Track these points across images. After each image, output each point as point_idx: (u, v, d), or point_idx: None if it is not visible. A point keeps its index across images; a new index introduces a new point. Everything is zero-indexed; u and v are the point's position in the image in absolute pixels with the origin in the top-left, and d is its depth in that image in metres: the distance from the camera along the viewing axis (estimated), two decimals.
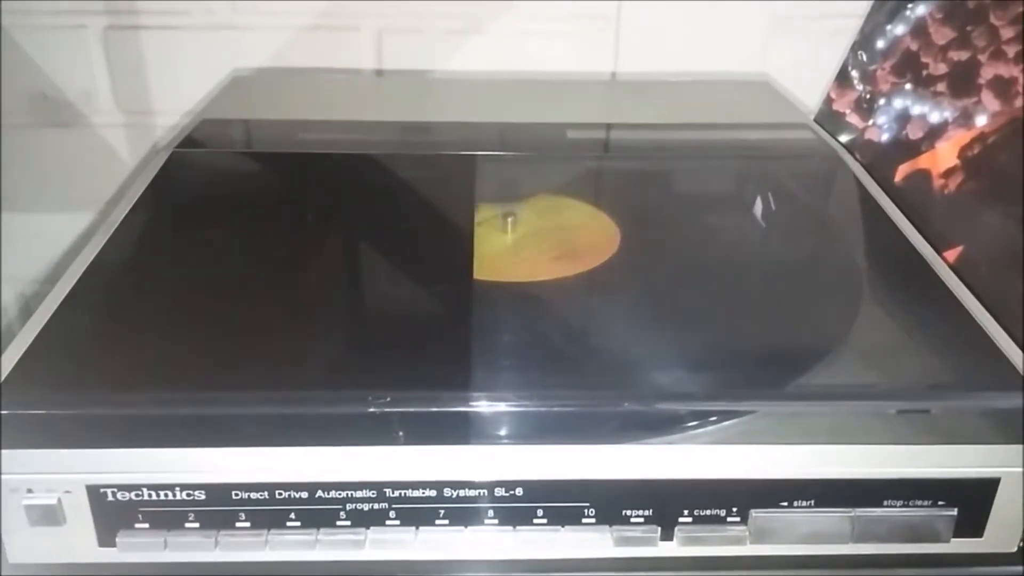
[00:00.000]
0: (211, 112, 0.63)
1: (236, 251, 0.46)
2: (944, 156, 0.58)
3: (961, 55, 0.59)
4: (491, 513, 0.37)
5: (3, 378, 0.36)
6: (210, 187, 0.54)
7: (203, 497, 0.36)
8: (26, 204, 0.76)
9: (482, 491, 0.37)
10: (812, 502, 0.38)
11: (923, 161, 0.59)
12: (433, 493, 0.37)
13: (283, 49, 0.70)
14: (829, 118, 0.66)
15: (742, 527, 0.38)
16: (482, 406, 0.36)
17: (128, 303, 0.42)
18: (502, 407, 0.36)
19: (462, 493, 0.37)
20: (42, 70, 0.70)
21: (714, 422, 0.37)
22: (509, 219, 0.50)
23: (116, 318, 0.41)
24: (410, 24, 0.69)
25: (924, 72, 0.61)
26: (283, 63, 0.71)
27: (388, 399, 0.35)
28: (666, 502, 0.38)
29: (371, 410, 0.35)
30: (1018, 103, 0.55)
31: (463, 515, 0.37)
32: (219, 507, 0.37)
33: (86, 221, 0.77)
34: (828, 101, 0.67)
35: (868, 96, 0.64)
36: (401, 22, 0.69)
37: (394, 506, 0.37)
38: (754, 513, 0.38)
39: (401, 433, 0.36)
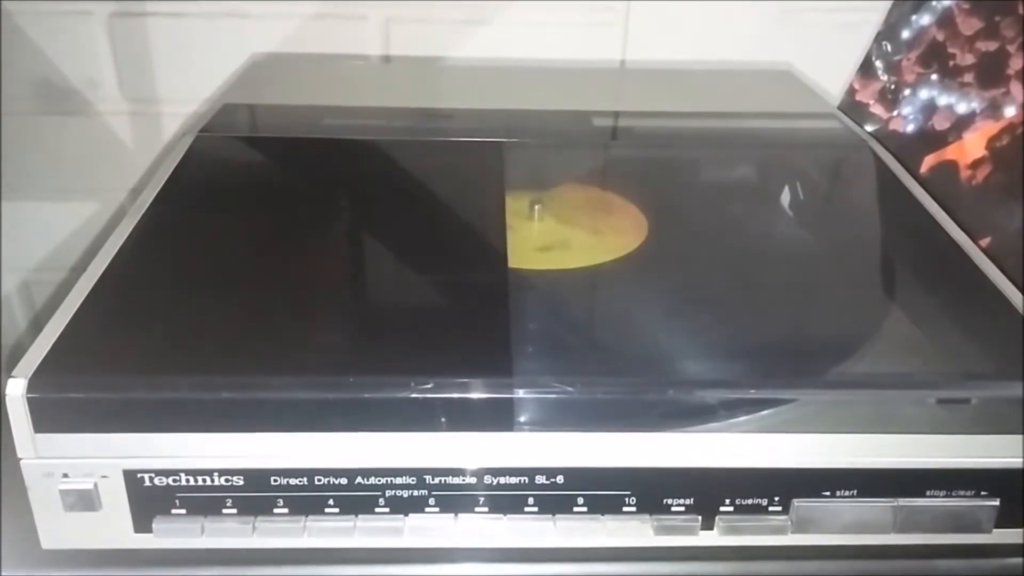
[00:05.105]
0: (231, 97, 0.62)
1: (267, 237, 0.46)
2: (972, 147, 0.58)
3: (989, 45, 0.58)
4: (531, 501, 0.37)
5: (39, 362, 0.35)
6: (236, 172, 0.53)
7: (241, 483, 0.36)
8: (29, 192, 0.75)
9: (523, 478, 0.37)
10: (855, 491, 0.37)
11: (950, 152, 0.59)
12: (473, 480, 0.37)
13: (290, 38, 0.69)
14: (852, 108, 0.65)
15: (784, 516, 0.38)
16: (523, 393, 0.35)
17: (161, 287, 0.41)
18: (543, 394, 0.36)
19: (502, 480, 0.37)
20: (46, 57, 0.70)
21: (756, 410, 0.36)
22: (536, 207, 0.49)
23: (150, 302, 0.40)
24: (417, 14, 0.69)
25: (951, 63, 0.60)
26: (290, 52, 0.70)
27: (430, 385, 0.35)
28: (707, 491, 0.37)
29: (413, 395, 0.35)
30: None
31: (503, 502, 0.37)
32: (257, 493, 0.36)
33: (90, 209, 0.76)
34: (851, 92, 0.66)
35: (893, 87, 0.64)
36: (408, 11, 0.69)
37: (433, 493, 0.37)
38: (796, 502, 0.37)
39: (443, 419, 0.35)
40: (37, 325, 0.80)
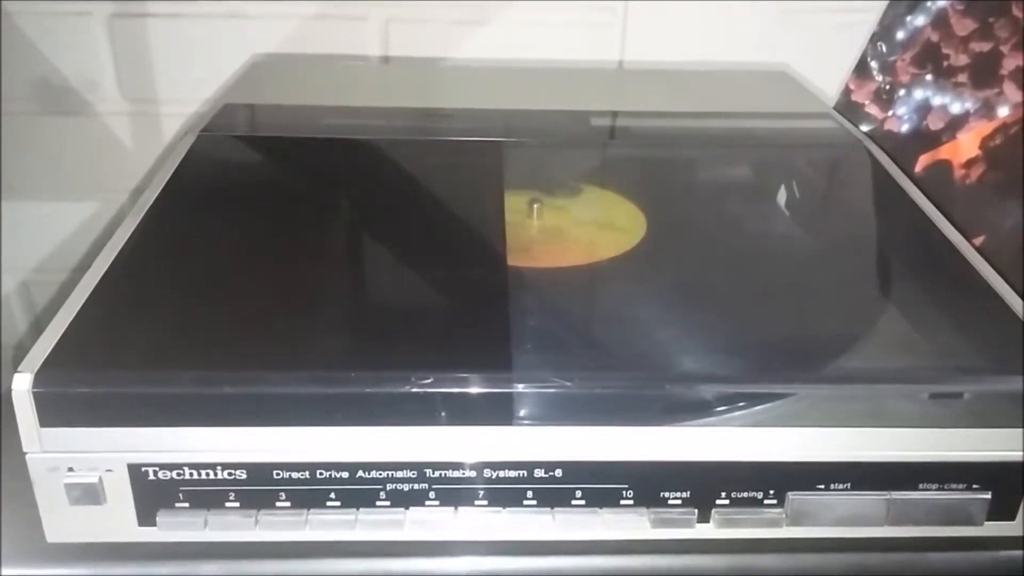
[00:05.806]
0: (232, 97, 0.63)
1: (269, 234, 0.46)
2: (965, 147, 0.58)
3: (983, 46, 0.59)
4: (530, 494, 0.38)
5: (44, 357, 0.35)
6: (238, 171, 0.54)
7: (244, 476, 0.37)
8: (29, 192, 0.75)
9: (522, 472, 0.37)
10: (848, 485, 0.38)
11: (944, 152, 0.59)
12: (473, 474, 0.37)
13: (290, 38, 0.70)
14: (848, 109, 0.66)
15: (779, 509, 0.38)
16: (523, 387, 0.36)
17: (165, 284, 0.42)
18: (543, 388, 0.36)
19: (502, 474, 0.37)
20: (46, 57, 0.70)
21: (752, 405, 0.37)
22: (535, 205, 0.50)
23: (154, 298, 0.40)
24: (417, 14, 0.69)
25: (945, 63, 0.61)
26: (290, 52, 0.70)
27: (430, 379, 0.35)
28: (704, 484, 0.38)
29: (413, 390, 0.35)
30: None
31: (503, 496, 0.38)
32: (260, 486, 0.37)
33: (90, 210, 0.76)
34: (847, 92, 0.67)
35: (888, 87, 0.64)
36: (408, 12, 0.69)
37: (434, 486, 0.37)
38: (791, 495, 0.38)
39: (443, 413, 0.36)
40: (38, 325, 0.80)
